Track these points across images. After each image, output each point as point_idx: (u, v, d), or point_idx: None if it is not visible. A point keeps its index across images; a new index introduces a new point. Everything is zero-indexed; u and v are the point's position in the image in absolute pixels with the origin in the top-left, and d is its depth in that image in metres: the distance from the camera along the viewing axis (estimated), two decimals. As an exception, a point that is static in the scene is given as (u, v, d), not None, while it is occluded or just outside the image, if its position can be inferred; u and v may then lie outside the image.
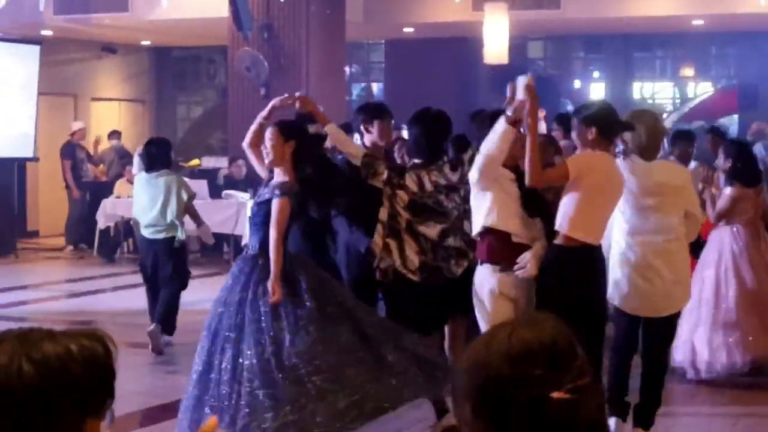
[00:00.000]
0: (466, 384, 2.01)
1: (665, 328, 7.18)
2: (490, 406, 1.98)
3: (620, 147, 7.13)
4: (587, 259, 6.50)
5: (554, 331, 2.02)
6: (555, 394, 1.95)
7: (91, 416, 1.98)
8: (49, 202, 20.43)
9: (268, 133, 6.84)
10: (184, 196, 10.55)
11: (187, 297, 11.47)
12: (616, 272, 6.97)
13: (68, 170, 18.44)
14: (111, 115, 22.94)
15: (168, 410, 8.09)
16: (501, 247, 6.54)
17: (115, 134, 19.84)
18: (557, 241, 6.48)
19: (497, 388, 1.97)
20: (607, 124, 6.59)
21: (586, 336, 5.93)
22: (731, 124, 21.79)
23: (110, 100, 23.33)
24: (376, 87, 25.25)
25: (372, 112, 7.98)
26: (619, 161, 6.95)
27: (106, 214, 16.95)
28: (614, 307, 7.18)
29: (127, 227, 17.47)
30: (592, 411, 2.00)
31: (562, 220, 6.46)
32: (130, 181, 17.49)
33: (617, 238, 7.01)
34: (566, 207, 6.45)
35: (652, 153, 7.03)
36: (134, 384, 8.75)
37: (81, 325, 10.87)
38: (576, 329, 2.08)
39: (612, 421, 7.05)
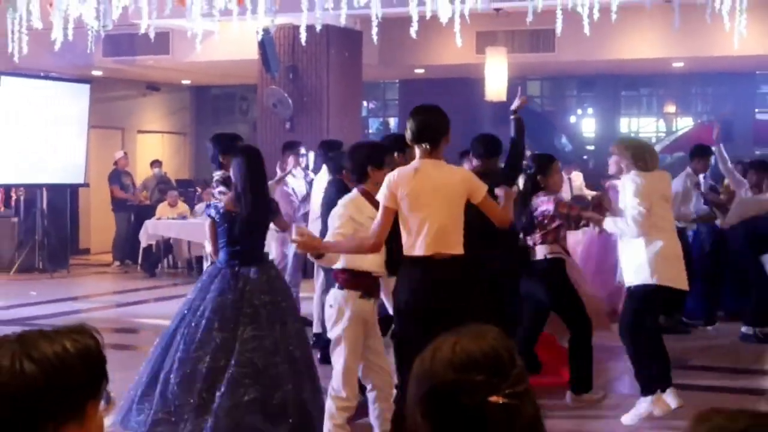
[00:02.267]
0: (415, 391, 2.02)
1: None
2: (437, 410, 1.98)
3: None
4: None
5: (495, 342, 2.02)
6: (494, 399, 1.95)
7: (91, 399, 1.99)
8: (98, 224, 20.57)
9: None
10: None
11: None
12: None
13: (118, 192, 18.71)
14: (155, 146, 23.08)
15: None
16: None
17: (156, 163, 19.99)
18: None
19: (442, 394, 1.97)
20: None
21: None
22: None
23: (154, 132, 23.47)
24: (392, 121, 25.33)
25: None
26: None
27: (148, 234, 17.03)
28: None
29: (167, 245, 17.57)
30: (530, 415, 2.00)
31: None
32: (171, 205, 17.63)
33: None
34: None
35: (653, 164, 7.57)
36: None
37: (126, 332, 10.99)
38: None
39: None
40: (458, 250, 5.87)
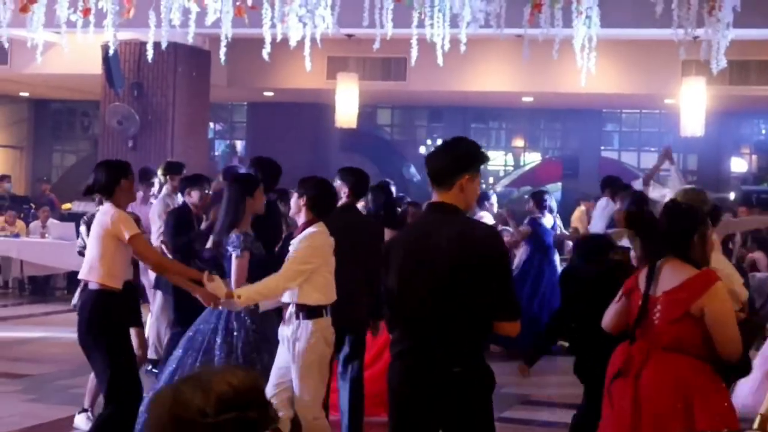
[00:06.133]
0: None
1: None
2: None
3: None
4: None
5: (250, 377, 2.14)
6: None
7: None
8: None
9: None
10: None
11: (42, 331, 11.20)
12: None
13: None
14: (-11, 160, 22.49)
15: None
16: None
17: (6, 178, 19.52)
18: None
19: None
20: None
21: None
22: (555, 190, 22.32)
23: (-11, 145, 22.89)
24: (239, 144, 25.22)
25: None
26: None
27: (-19, 252, 16.49)
28: None
29: (6, 263, 17.06)
30: None
31: None
32: (8, 222, 17.08)
33: None
34: None
35: None
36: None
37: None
38: None
39: None
40: None
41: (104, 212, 6.72)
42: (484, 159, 4.74)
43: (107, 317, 6.57)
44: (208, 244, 7.37)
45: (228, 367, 2.17)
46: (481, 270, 4.45)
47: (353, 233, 7.41)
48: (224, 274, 6.84)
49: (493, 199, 13.23)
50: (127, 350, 6.75)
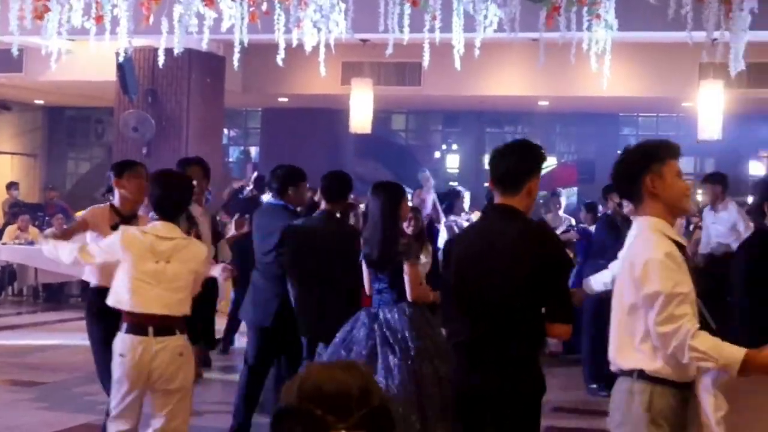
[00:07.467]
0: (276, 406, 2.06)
1: None
2: (280, 429, 2.02)
3: None
4: None
5: (350, 379, 2.02)
6: None
7: None
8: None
9: None
10: None
11: (56, 338, 11.22)
12: None
13: None
14: (3, 168, 22.53)
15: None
16: None
17: (14, 185, 19.56)
18: None
19: (285, 416, 2.02)
20: None
21: None
22: (571, 195, 22.24)
23: (3, 153, 22.92)
24: (253, 150, 25.25)
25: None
26: None
27: (-9, 258, 16.57)
28: None
29: (12, 271, 17.10)
30: None
31: None
32: (21, 229, 17.15)
33: None
34: None
35: None
36: (4, 419, 8.57)
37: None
38: None
39: None
40: None
41: None
42: (546, 159, 4.91)
43: (89, 310, 6.74)
44: None
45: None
46: (540, 272, 4.52)
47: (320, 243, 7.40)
48: None
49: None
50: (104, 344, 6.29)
